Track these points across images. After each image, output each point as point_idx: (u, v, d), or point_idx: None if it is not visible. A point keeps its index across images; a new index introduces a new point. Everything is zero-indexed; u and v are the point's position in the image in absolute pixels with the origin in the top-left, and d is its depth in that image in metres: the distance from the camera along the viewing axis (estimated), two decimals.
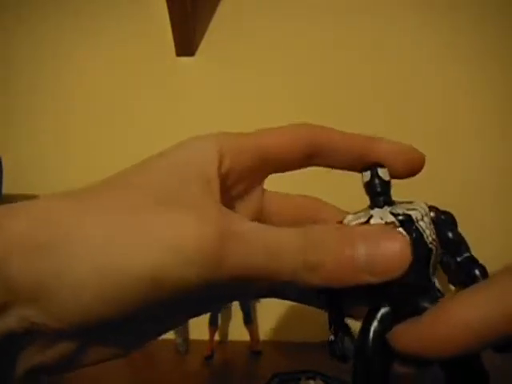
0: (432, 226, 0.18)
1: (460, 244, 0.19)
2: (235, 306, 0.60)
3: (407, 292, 0.17)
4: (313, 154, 0.21)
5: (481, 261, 0.18)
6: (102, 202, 0.16)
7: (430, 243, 0.18)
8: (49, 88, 0.69)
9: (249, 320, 0.56)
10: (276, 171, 0.22)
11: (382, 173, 0.20)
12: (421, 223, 0.18)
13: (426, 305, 0.17)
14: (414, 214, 0.18)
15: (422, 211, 0.18)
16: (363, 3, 0.67)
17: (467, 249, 0.19)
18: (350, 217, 0.19)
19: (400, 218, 0.18)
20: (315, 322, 0.60)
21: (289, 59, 0.67)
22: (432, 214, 0.19)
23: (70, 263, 0.14)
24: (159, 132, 0.64)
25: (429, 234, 0.18)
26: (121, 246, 0.14)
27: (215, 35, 0.68)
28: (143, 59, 0.68)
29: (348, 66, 0.66)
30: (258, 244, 0.16)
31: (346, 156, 0.21)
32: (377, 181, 0.19)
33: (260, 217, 0.23)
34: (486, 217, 0.61)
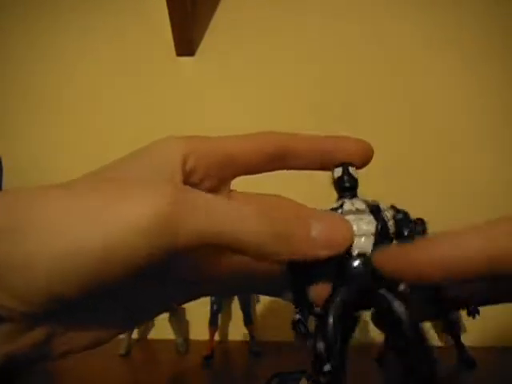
0: (392, 220, 0.20)
1: (412, 236, 0.20)
2: (235, 306, 0.60)
3: (367, 276, 0.19)
4: (277, 159, 0.23)
5: None
6: (68, 189, 0.17)
7: (392, 233, 0.20)
8: (49, 88, 0.69)
9: (249, 320, 0.56)
10: (243, 174, 0.23)
11: (352, 171, 0.22)
12: (386, 213, 0.20)
13: (381, 290, 0.19)
14: (381, 205, 0.20)
15: (387, 207, 0.20)
16: (364, 2, 0.67)
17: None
18: (321, 208, 0.21)
19: (369, 205, 0.20)
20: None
21: (289, 59, 0.67)
22: (392, 211, 0.20)
23: (22, 243, 0.15)
24: (159, 132, 0.64)
25: (391, 224, 0.20)
26: (73, 225, 0.15)
27: (215, 35, 0.68)
28: (143, 59, 0.68)
29: (348, 66, 0.66)
30: (218, 212, 0.16)
31: (310, 158, 0.23)
32: (346, 177, 0.21)
33: None
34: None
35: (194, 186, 0.21)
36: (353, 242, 0.19)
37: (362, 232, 0.19)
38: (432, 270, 0.17)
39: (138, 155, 0.20)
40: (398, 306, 0.18)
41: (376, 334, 0.56)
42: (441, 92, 0.65)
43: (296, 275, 0.20)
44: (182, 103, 0.67)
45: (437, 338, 0.60)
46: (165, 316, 0.59)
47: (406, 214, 0.21)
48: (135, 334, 0.60)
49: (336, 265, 0.19)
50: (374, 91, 0.65)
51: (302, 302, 0.20)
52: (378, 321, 0.19)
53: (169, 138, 0.21)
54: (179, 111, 0.66)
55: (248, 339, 0.56)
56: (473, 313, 0.56)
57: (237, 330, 0.61)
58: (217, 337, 0.57)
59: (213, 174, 0.22)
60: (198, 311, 0.60)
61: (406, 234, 0.20)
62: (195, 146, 0.21)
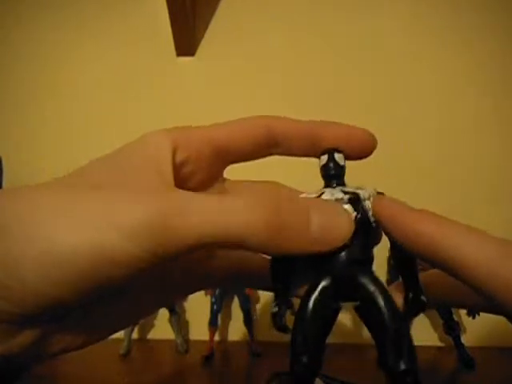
0: None
1: None
2: (235, 306, 0.61)
3: (348, 266, 0.19)
4: (269, 144, 0.22)
5: None
6: (57, 191, 0.16)
7: (374, 222, 0.19)
8: (49, 88, 0.69)
9: (249, 320, 0.56)
10: (234, 161, 0.23)
11: (338, 157, 0.21)
12: (367, 202, 0.19)
13: (363, 280, 0.18)
14: (361, 193, 0.19)
15: (370, 192, 0.19)
16: (363, 3, 0.67)
17: None
18: (303, 195, 0.20)
19: (348, 195, 0.19)
20: None
21: (289, 59, 0.67)
22: (373, 193, 0.20)
23: (10, 242, 0.14)
24: None
25: (372, 213, 0.19)
26: (60, 227, 0.15)
27: (215, 35, 0.68)
28: (143, 59, 0.68)
29: (349, 66, 0.66)
30: (211, 212, 0.16)
31: (301, 142, 0.22)
32: (332, 164, 0.21)
33: None
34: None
35: (186, 178, 0.21)
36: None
37: None
38: (430, 248, 0.16)
39: (127, 150, 0.19)
40: (380, 298, 0.18)
41: None
42: (442, 90, 0.65)
43: (276, 266, 0.20)
44: (182, 103, 0.67)
45: (437, 337, 0.60)
46: (165, 316, 0.59)
47: None
48: (135, 334, 0.60)
49: (314, 256, 0.18)
50: (376, 90, 0.65)
51: (281, 294, 0.20)
52: (360, 312, 0.19)
53: (157, 131, 0.20)
54: (179, 111, 0.66)
55: (248, 339, 0.56)
56: (473, 313, 0.56)
57: (237, 330, 0.61)
58: (217, 337, 0.58)
59: (204, 164, 0.21)
60: (198, 311, 0.60)
61: None
62: (184, 138, 0.20)
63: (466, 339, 0.53)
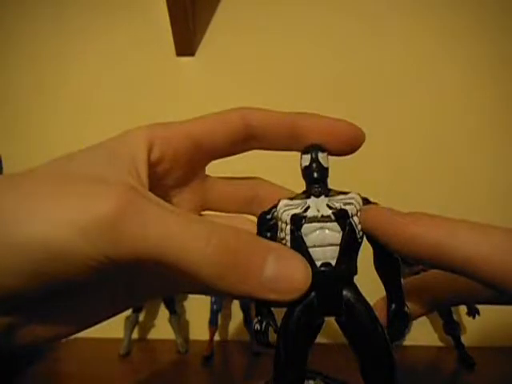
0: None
1: None
2: (235, 306, 0.61)
3: (334, 282, 0.18)
4: (248, 137, 0.21)
5: None
6: (18, 182, 0.16)
7: (360, 238, 0.18)
8: (49, 88, 0.69)
9: (249, 320, 0.56)
10: (214, 157, 0.22)
11: (322, 158, 0.20)
12: (355, 218, 0.18)
13: (348, 294, 0.18)
14: (349, 209, 0.18)
15: (357, 206, 0.19)
16: (363, 4, 0.67)
17: None
18: (284, 201, 0.19)
19: (336, 212, 0.18)
20: None
21: (289, 59, 0.67)
22: (360, 204, 0.19)
23: None
24: None
25: (360, 228, 0.18)
26: (19, 217, 0.15)
27: (215, 35, 0.68)
28: (143, 59, 0.68)
29: (350, 66, 0.66)
30: (167, 227, 0.15)
31: (280, 135, 0.21)
32: (315, 166, 0.19)
33: (204, 204, 0.23)
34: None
35: (163, 176, 0.21)
36: (311, 274, 0.17)
37: (327, 242, 0.18)
38: (423, 248, 0.16)
39: (107, 146, 0.19)
40: (363, 314, 0.18)
41: None
42: (442, 93, 0.65)
43: None
44: (182, 103, 0.67)
45: (437, 337, 0.60)
46: (165, 316, 0.59)
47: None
48: (135, 334, 0.60)
49: None
50: (377, 90, 0.65)
51: (263, 311, 0.19)
52: (342, 325, 0.19)
53: (137, 128, 0.20)
54: (179, 111, 0.66)
55: (248, 339, 0.56)
56: (473, 313, 0.56)
57: (237, 330, 0.61)
58: (217, 337, 0.57)
59: (181, 161, 0.21)
60: (198, 311, 0.60)
61: None
62: (160, 134, 0.20)
63: (465, 339, 0.53)
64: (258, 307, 0.20)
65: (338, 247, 0.18)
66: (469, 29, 0.65)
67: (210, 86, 0.67)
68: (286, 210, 0.19)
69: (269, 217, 0.19)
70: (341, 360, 0.40)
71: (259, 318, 0.19)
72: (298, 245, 0.18)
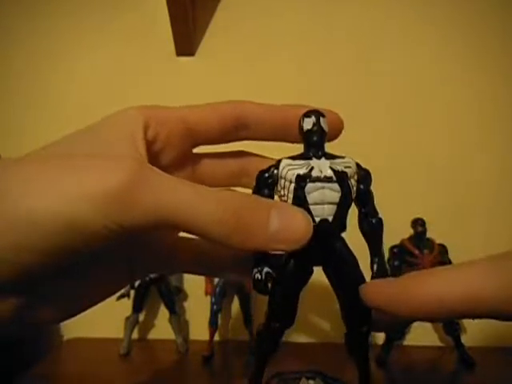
0: (356, 186, 0.21)
1: (368, 195, 0.22)
2: (235, 306, 0.61)
3: (330, 235, 0.21)
4: (237, 126, 0.23)
5: None
6: (29, 158, 0.17)
7: (354, 198, 0.21)
8: (49, 88, 0.69)
9: (249, 320, 0.56)
10: (205, 143, 0.23)
11: (323, 122, 0.21)
12: (352, 180, 0.21)
13: (338, 245, 0.21)
14: (348, 171, 0.21)
15: (354, 169, 0.21)
16: (363, 6, 0.67)
17: (371, 201, 0.22)
18: (286, 161, 0.21)
19: (337, 174, 0.20)
20: (315, 323, 0.60)
21: (289, 59, 0.67)
22: (356, 171, 0.21)
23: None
24: None
25: (354, 190, 0.21)
26: (33, 194, 0.15)
27: (215, 35, 0.68)
28: (143, 59, 0.68)
29: (350, 67, 0.66)
30: (178, 193, 0.17)
31: (272, 125, 0.23)
32: (317, 129, 0.21)
33: (194, 181, 0.24)
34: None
35: (157, 155, 0.22)
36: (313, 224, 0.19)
37: (327, 201, 0.20)
38: (430, 306, 0.16)
39: (103, 124, 0.20)
40: (350, 264, 0.21)
41: (375, 335, 0.56)
42: (441, 93, 0.65)
43: None
44: (182, 103, 0.66)
45: (437, 337, 0.60)
46: (165, 316, 0.59)
47: (367, 173, 0.22)
48: (135, 334, 0.60)
49: None
50: (376, 91, 0.65)
51: (261, 263, 0.21)
52: (330, 273, 0.21)
53: (131, 107, 0.21)
54: None
55: (248, 339, 0.56)
56: None
57: (237, 330, 0.61)
58: (217, 337, 0.57)
59: (174, 143, 0.22)
60: (198, 311, 0.60)
61: (362, 188, 0.21)
62: (155, 114, 0.21)
63: (465, 339, 0.53)
64: (256, 260, 0.21)
65: (335, 206, 0.20)
66: (470, 27, 0.65)
67: (210, 86, 0.67)
68: (290, 170, 0.20)
69: (267, 175, 0.21)
70: (341, 360, 0.40)
71: (259, 268, 0.21)
72: (301, 202, 0.20)
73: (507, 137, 0.64)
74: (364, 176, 0.22)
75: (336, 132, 0.23)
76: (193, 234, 0.17)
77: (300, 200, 0.20)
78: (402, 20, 0.67)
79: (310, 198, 0.20)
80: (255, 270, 0.21)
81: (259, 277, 0.21)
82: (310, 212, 0.20)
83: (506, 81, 0.64)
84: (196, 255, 0.24)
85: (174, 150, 0.22)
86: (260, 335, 0.23)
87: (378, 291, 0.19)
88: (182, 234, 0.21)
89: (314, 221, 0.20)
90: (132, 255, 0.22)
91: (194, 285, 0.61)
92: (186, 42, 0.65)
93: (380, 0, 0.67)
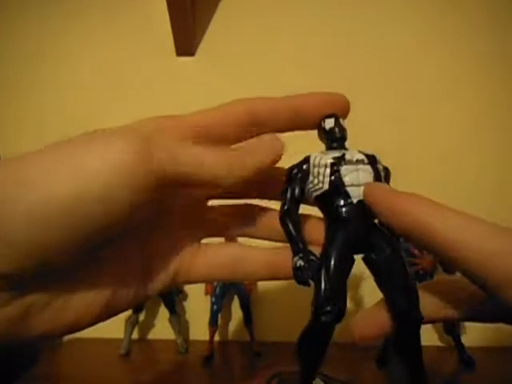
0: (384, 171, 0.22)
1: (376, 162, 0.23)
2: (235, 306, 0.61)
3: (367, 214, 0.20)
4: (252, 124, 0.23)
5: None
6: (44, 149, 0.17)
7: (384, 178, 0.22)
8: (49, 87, 0.69)
9: (249, 320, 0.56)
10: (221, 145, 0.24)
11: (342, 121, 0.23)
12: (379, 165, 0.22)
13: (377, 235, 0.20)
14: (377, 156, 0.22)
15: (378, 158, 0.22)
16: (364, 6, 0.67)
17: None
18: (316, 153, 0.22)
19: (368, 156, 0.21)
20: None
21: (289, 59, 0.67)
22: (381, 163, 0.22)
23: (17, 194, 0.15)
24: None
25: (383, 174, 0.22)
26: (44, 173, 0.15)
27: (215, 35, 0.68)
28: (143, 59, 0.68)
29: (348, 66, 0.66)
30: (185, 154, 0.18)
31: (285, 117, 0.23)
32: (338, 127, 0.23)
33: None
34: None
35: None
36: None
37: (362, 182, 0.20)
38: (412, 224, 0.17)
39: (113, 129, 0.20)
40: (393, 252, 0.20)
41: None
42: (438, 93, 0.65)
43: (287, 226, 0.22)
44: (182, 103, 0.66)
45: (437, 338, 0.60)
46: (165, 316, 0.59)
47: (387, 169, 0.23)
48: (135, 334, 0.60)
49: (334, 210, 0.21)
50: (375, 91, 0.65)
51: (301, 248, 0.21)
52: (371, 262, 0.21)
53: (143, 119, 0.21)
54: (179, 111, 0.66)
55: (248, 339, 0.56)
56: None
57: (237, 330, 0.61)
58: (217, 337, 0.57)
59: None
60: (198, 311, 0.60)
61: (380, 168, 0.22)
62: (169, 124, 0.21)
63: (465, 339, 0.53)
64: (296, 248, 0.21)
65: None
66: (468, 28, 0.65)
67: (210, 86, 0.67)
68: (323, 157, 0.21)
69: (296, 171, 0.22)
70: (341, 360, 0.40)
71: (300, 255, 0.20)
72: (337, 184, 0.21)
73: (507, 136, 0.64)
74: (386, 169, 0.23)
75: (346, 112, 0.24)
76: (195, 185, 0.19)
77: (336, 183, 0.21)
78: (406, 14, 0.67)
79: (346, 180, 0.21)
80: (296, 258, 0.20)
81: (302, 263, 0.20)
82: (347, 193, 0.20)
83: None
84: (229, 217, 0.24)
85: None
86: (307, 336, 0.21)
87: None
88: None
89: (351, 202, 0.20)
90: (150, 262, 0.21)
91: (194, 285, 0.61)
92: (186, 42, 0.65)
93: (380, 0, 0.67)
